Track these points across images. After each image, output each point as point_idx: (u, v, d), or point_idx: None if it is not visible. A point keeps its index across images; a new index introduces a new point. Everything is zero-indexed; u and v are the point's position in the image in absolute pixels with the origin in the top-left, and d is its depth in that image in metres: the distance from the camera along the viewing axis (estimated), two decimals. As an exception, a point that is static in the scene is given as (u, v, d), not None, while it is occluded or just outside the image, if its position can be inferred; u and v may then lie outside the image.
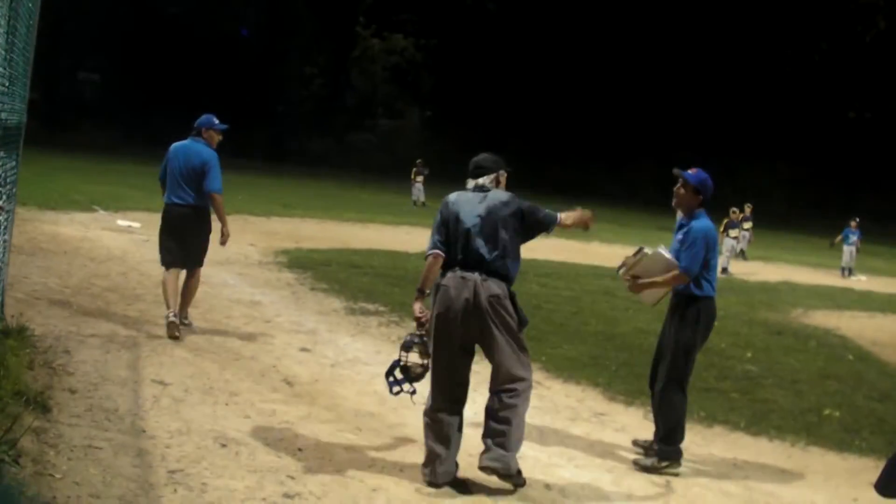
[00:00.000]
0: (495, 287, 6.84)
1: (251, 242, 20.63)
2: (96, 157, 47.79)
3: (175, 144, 11.27)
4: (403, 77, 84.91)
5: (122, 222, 20.90)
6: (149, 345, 9.85)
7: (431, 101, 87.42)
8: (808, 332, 16.65)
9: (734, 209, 32.42)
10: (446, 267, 7.02)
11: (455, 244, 6.98)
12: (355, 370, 10.10)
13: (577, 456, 8.05)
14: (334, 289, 15.38)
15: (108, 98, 71.39)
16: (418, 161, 45.01)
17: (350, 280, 16.39)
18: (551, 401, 9.87)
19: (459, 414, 7.12)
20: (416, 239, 26.54)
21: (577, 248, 30.43)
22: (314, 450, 7.13)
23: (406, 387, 7.31)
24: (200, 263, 11.44)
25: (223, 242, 11.37)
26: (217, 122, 11.40)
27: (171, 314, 10.63)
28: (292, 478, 6.43)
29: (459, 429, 7.11)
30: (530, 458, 7.69)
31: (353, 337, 11.91)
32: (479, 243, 6.90)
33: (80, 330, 10.12)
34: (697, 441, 8.95)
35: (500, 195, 7.11)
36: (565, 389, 10.47)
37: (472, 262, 6.90)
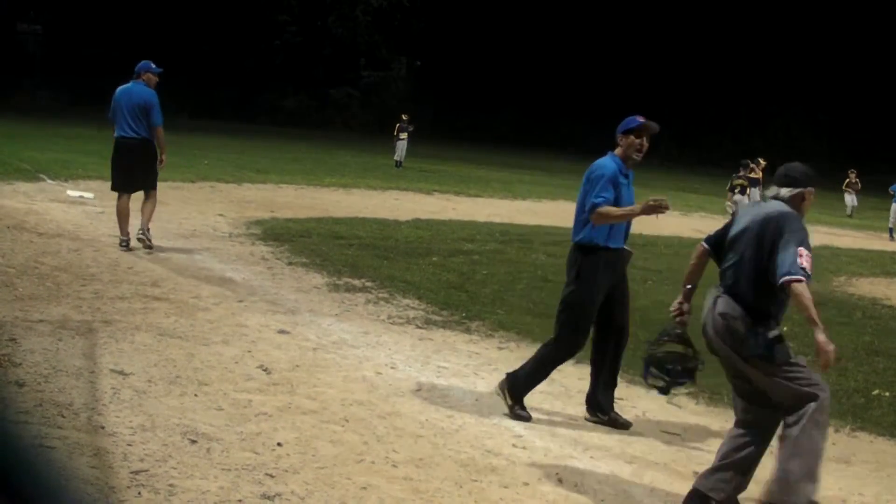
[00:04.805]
0: (727, 307, 6.76)
1: (220, 212, 20.63)
2: (41, 120, 47.70)
3: (120, 87, 15.27)
4: (389, 22, 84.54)
5: (72, 193, 20.86)
6: (106, 330, 9.82)
7: (421, 48, 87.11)
8: (853, 303, 16.67)
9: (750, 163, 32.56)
10: None
11: (721, 250, 7.08)
12: (341, 354, 10.09)
13: (592, 446, 8.06)
14: (315, 263, 15.38)
15: (52, 53, 71.15)
16: (403, 116, 45.03)
17: (333, 253, 16.40)
18: (562, 384, 9.86)
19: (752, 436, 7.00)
20: (405, 205, 26.60)
21: (589, 213, 30.42)
22: (295, 445, 7.11)
23: (676, 385, 7.60)
24: (154, 186, 15.29)
25: (160, 168, 15.41)
26: (154, 66, 15.35)
27: (123, 240, 14.77)
28: (271, 476, 6.41)
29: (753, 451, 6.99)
30: (540, 448, 7.71)
31: (337, 316, 11.90)
32: (730, 256, 6.91)
33: (28, 315, 10.09)
34: (729, 427, 8.95)
35: (771, 209, 6.85)
36: (577, 371, 10.43)
37: (720, 275, 7.02)
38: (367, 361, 9.88)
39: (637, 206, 8.30)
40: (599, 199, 8.32)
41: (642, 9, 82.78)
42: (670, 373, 7.42)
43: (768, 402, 6.80)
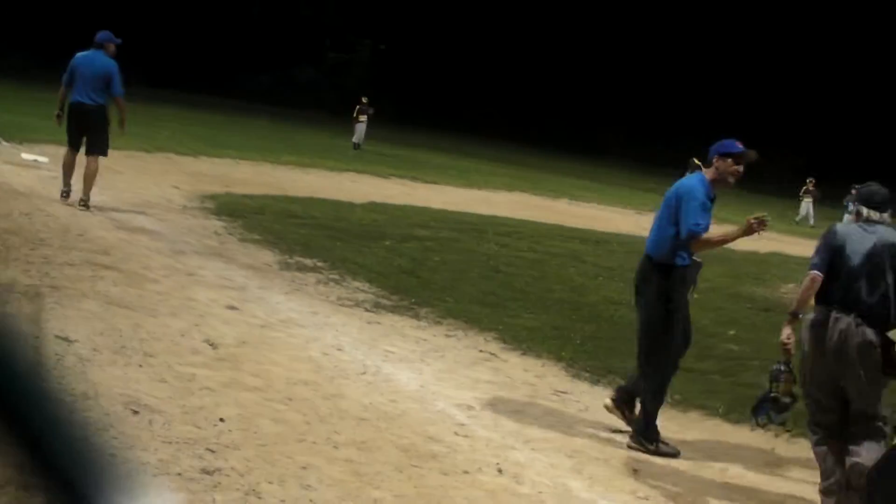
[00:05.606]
0: (869, 334, 6.96)
1: (175, 184, 20.49)
2: (12, 82, 47.19)
3: (80, 54, 15.78)
4: (354, 4, 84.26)
5: (27, 156, 20.64)
6: (53, 296, 9.73)
7: (386, 32, 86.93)
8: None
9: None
10: (821, 301, 7.19)
11: (835, 280, 7.13)
12: (288, 332, 10.07)
13: (534, 438, 8.07)
14: (268, 240, 15.33)
15: (9, 14, 70.38)
16: (363, 99, 44.86)
17: (286, 231, 16.35)
18: (507, 375, 9.90)
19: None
20: (362, 188, 26.54)
21: (543, 205, 30.55)
22: (238, 421, 7.08)
23: (774, 416, 7.62)
24: (103, 153, 15.72)
25: (122, 133, 16.27)
26: (114, 37, 15.90)
27: (65, 190, 15.48)
28: (212, 451, 6.37)
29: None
30: (482, 438, 7.72)
31: (286, 295, 11.87)
32: (861, 284, 7.03)
33: (-25, 277, 10.01)
34: (671, 427, 8.99)
35: (890, 234, 7.20)
36: (523, 363, 10.50)
37: (850, 302, 7.04)
38: (315, 342, 9.86)
39: (738, 229, 8.24)
40: (699, 227, 8.15)
41: (614, 4, 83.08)
42: (782, 410, 7.57)
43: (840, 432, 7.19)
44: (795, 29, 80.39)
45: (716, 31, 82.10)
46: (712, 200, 8.41)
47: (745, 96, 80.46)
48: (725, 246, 9.56)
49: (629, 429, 8.53)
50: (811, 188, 45.06)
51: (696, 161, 32.98)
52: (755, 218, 8.09)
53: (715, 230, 8.57)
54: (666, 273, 8.45)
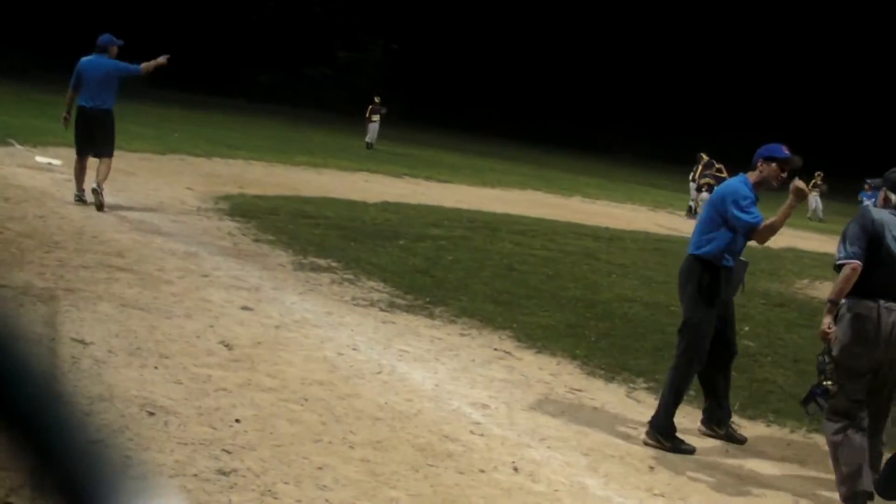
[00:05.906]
0: None
1: (188, 186, 20.50)
2: (12, 84, 47.29)
3: (85, 59, 16.18)
4: (366, 3, 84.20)
5: (41, 159, 20.69)
6: (68, 299, 9.76)
7: (398, 31, 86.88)
8: (815, 306, 16.72)
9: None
10: (861, 291, 7.16)
11: (875, 269, 7.12)
12: (303, 333, 10.07)
13: (549, 436, 8.06)
14: (281, 241, 15.33)
15: (9, 14, 70.46)
16: (375, 98, 44.88)
17: (300, 231, 16.35)
18: (522, 373, 9.88)
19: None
20: (375, 187, 26.51)
21: (556, 203, 30.50)
22: (253, 421, 7.09)
23: (824, 405, 7.55)
24: (110, 154, 16.05)
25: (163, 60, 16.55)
26: (115, 38, 16.29)
27: (78, 195, 15.81)
28: (228, 452, 6.39)
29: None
30: (497, 436, 7.71)
31: (301, 295, 11.87)
32: None
33: (-10, 279, 10.03)
34: (686, 423, 8.99)
35: None
36: (538, 361, 10.48)
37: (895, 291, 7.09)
38: (329, 342, 9.86)
39: (791, 198, 8.15)
40: (758, 219, 8.17)
41: (623, 7, 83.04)
42: (832, 398, 7.53)
43: None
44: (793, 27, 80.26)
45: (714, 30, 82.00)
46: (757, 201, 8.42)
47: (745, 95, 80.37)
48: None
49: (644, 426, 8.52)
50: (819, 182, 45.01)
51: (705, 156, 33.16)
52: (800, 182, 8.07)
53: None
54: (710, 272, 8.47)
